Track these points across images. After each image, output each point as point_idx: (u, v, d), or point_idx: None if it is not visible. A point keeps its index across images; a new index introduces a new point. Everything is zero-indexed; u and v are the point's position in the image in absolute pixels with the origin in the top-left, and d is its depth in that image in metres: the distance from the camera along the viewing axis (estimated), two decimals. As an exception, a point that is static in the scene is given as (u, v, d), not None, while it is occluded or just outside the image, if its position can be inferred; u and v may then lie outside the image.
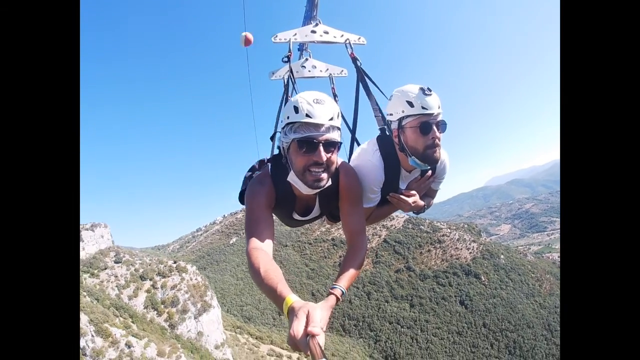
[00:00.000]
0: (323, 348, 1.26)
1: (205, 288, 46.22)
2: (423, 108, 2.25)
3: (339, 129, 2.01)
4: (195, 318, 40.88)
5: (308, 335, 1.29)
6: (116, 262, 45.99)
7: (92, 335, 26.98)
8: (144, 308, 40.69)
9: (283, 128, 2.01)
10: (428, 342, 74.09)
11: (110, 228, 53.30)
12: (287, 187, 2.20)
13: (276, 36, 3.65)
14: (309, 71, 4.36)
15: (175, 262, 49.25)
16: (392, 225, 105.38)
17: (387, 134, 2.58)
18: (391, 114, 2.45)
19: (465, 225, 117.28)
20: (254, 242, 1.88)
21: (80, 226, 51.06)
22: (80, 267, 43.04)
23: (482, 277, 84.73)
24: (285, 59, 3.63)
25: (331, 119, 1.94)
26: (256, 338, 58.71)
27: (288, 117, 1.96)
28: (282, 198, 2.23)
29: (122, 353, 27.46)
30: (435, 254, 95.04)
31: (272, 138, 2.69)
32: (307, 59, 4.41)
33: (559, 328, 70.34)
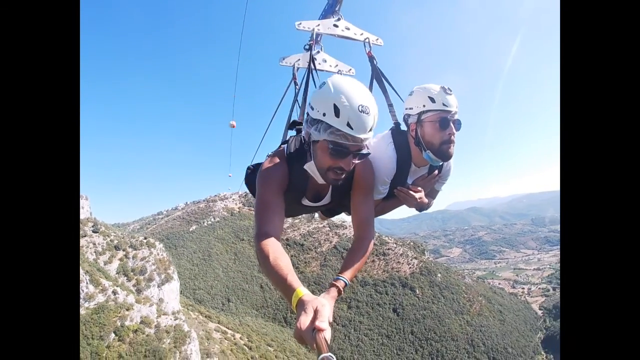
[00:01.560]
0: (329, 343, 1.28)
1: (169, 263, 54.63)
2: (444, 105, 2.37)
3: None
4: (158, 287, 49.16)
5: (314, 329, 1.30)
6: (94, 232, 53.77)
7: (87, 283, 36.11)
8: (116, 273, 48.74)
9: (315, 118, 1.88)
10: (359, 340, 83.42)
11: (90, 201, 60.47)
12: (302, 171, 2.14)
13: (300, 23, 3.70)
14: (319, 64, 4.38)
15: (145, 238, 57.96)
16: (343, 234, 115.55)
17: (401, 129, 2.68)
18: (411, 108, 2.51)
19: (411, 243, 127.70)
20: (264, 227, 1.83)
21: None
22: None
23: (417, 291, 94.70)
24: (307, 47, 3.76)
25: (370, 129, 1.86)
26: (205, 316, 66.94)
27: (324, 115, 1.82)
28: (295, 182, 2.17)
29: (109, 298, 36.51)
30: (378, 265, 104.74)
31: (292, 125, 2.52)
32: (318, 52, 4.46)
33: (481, 344, 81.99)
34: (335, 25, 3.88)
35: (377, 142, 2.67)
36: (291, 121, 2.64)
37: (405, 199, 2.63)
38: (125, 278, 48.08)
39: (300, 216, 2.97)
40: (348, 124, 1.80)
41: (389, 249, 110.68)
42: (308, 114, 1.96)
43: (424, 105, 2.43)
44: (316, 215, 3.53)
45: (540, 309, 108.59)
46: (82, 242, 49.79)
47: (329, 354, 1.22)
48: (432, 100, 2.40)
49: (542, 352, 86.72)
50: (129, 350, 34.11)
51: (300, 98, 3.40)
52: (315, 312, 1.37)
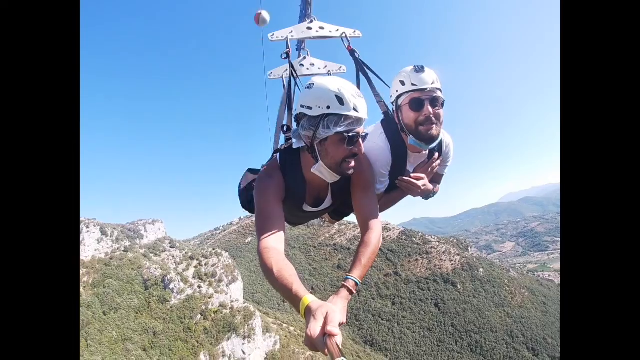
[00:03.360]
0: (341, 347, 1.28)
1: (234, 267, 68.88)
2: (413, 85, 2.30)
3: None
4: (227, 286, 62.85)
5: (325, 334, 1.30)
6: (171, 247, 69.51)
7: (178, 282, 51.51)
8: (193, 277, 62.94)
9: (317, 116, 1.93)
10: (402, 333, 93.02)
11: (165, 224, 77.62)
12: (298, 177, 2.18)
13: (273, 34, 3.72)
14: (307, 69, 4.39)
15: (213, 249, 73.42)
16: (387, 236, 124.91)
17: (390, 117, 2.62)
18: (391, 96, 2.51)
19: (454, 240, 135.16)
20: (266, 240, 1.85)
21: (144, 221, 75.36)
22: (145, 249, 65.70)
23: (458, 286, 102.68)
24: (285, 56, 3.59)
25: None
26: (264, 313, 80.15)
27: (329, 107, 1.90)
28: (292, 189, 2.19)
29: (195, 291, 51.78)
30: (422, 263, 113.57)
31: (284, 130, 2.60)
32: (305, 57, 4.44)
33: (520, 335, 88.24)
34: (309, 28, 3.86)
35: (368, 134, 2.50)
36: (281, 125, 2.61)
37: (408, 189, 2.57)
38: (200, 280, 62.33)
39: (343, 220, 3.43)
40: (354, 109, 1.91)
41: (432, 248, 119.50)
42: (303, 117, 2.00)
43: (397, 91, 2.42)
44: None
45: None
46: (163, 255, 65.01)
47: (342, 358, 1.22)
48: (402, 83, 2.37)
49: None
50: (211, 325, 50.27)
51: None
52: (325, 317, 1.36)
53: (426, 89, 2.29)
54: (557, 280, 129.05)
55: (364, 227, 2.16)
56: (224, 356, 48.44)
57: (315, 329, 1.34)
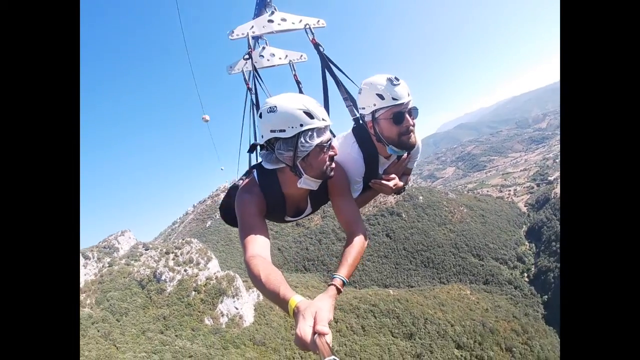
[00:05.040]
0: (331, 346, 1.31)
1: (207, 249, 78.95)
2: (393, 99, 2.37)
3: None
4: (205, 265, 73.23)
5: (315, 333, 1.34)
6: (146, 250, 78.62)
7: (168, 271, 63.70)
8: (174, 266, 72.91)
9: (293, 136, 2.02)
10: (363, 265, 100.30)
11: (133, 232, 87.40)
12: (276, 192, 2.27)
13: (232, 32, 3.58)
14: (268, 60, 4.29)
15: (183, 239, 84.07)
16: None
17: (361, 124, 2.69)
18: (363, 108, 2.56)
19: None
20: (251, 250, 1.91)
21: (114, 235, 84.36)
22: (125, 258, 74.63)
23: (403, 215, 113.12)
24: (247, 57, 3.55)
25: None
26: (243, 281, 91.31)
27: (302, 125, 1.99)
28: (272, 204, 2.28)
29: (184, 275, 64.64)
30: (368, 203, 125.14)
31: (253, 149, 2.59)
32: (264, 48, 4.32)
33: (464, 245, 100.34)
34: (270, 21, 3.67)
35: (340, 144, 2.70)
36: (250, 145, 2.61)
37: (382, 189, 2.72)
38: (181, 267, 72.53)
39: None
40: (323, 119, 2.07)
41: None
42: (276, 141, 2.07)
43: (374, 104, 2.45)
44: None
45: (525, 206, 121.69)
46: (142, 259, 74.35)
47: (333, 357, 1.24)
48: (381, 97, 2.40)
49: (526, 243, 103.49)
50: (205, 295, 63.22)
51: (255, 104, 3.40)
52: (315, 317, 1.41)
53: (404, 102, 2.43)
54: (495, 194, 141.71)
55: (349, 230, 2.28)
56: (222, 315, 60.78)
57: (305, 329, 1.38)
